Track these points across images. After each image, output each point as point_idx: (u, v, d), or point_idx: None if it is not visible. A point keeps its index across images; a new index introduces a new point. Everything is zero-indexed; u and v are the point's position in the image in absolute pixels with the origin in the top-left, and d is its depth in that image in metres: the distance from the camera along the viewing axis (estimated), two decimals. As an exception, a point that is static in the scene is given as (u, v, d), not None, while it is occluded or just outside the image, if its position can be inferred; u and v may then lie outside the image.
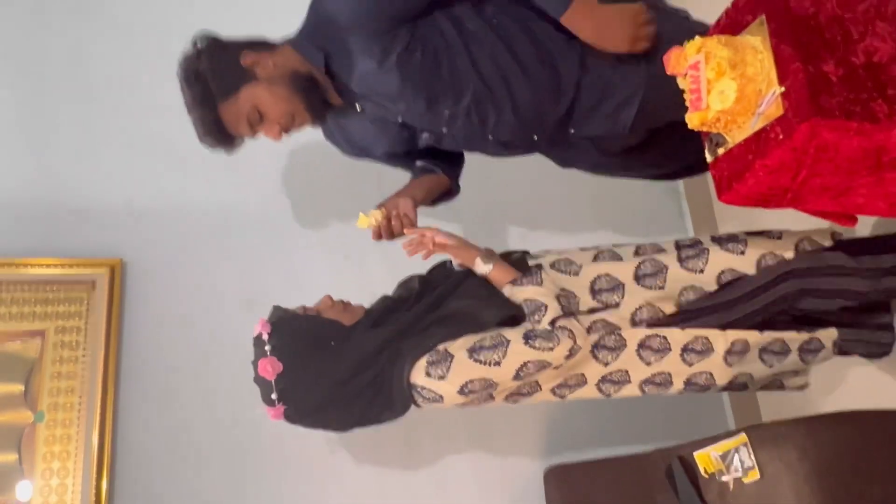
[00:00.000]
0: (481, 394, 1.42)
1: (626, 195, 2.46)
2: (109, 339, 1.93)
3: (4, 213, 1.97)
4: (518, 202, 2.47)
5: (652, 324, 1.51)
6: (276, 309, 1.50)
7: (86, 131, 2.09)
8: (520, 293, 1.45)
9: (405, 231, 1.56)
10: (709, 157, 1.38)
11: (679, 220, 2.55)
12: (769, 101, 1.22)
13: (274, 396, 1.41)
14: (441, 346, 1.40)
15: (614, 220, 2.49)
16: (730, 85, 1.23)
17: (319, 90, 1.57)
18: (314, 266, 2.20)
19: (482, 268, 1.51)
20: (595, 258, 1.58)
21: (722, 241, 1.57)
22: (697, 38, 1.30)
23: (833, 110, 1.13)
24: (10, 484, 1.78)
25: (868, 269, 1.54)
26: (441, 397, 1.40)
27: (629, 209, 2.52)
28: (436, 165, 1.78)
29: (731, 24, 1.34)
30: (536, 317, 1.42)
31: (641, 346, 1.50)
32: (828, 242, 1.57)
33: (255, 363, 1.44)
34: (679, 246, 1.59)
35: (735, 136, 1.31)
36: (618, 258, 1.58)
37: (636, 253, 1.59)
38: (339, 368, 1.41)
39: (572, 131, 1.64)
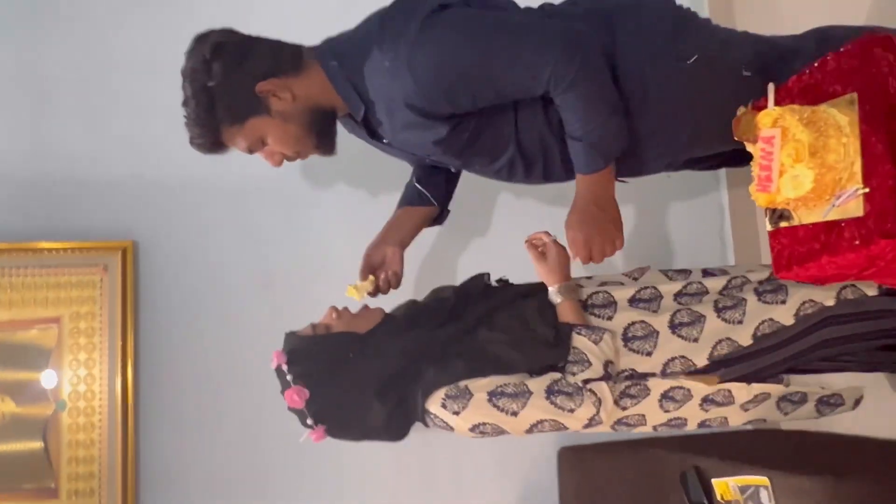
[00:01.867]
0: (493, 432, 1.41)
1: (668, 215, 2.39)
2: (126, 324, 1.89)
3: (12, 194, 1.87)
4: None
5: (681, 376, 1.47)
6: (288, 337, 1.48)
7: (91, 106, 1.95)
8: (576, 341, 1.41)
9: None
10: (769, 227, 1.28)
11: (719, 244, 2.44)
12: (849, 196, 1.11)
13: (310, 421, 1.42)
14: (463, 383, 1.38)
15: (653, 238, 2.39)
16: (806, 173, 1.12)
17: (335, 124, 1.46)
18: (333, 242, 2.12)
19: (556, 297, 1.47)
20: (633, 300, 1.52)
21: (762, 292, 1.50)
22: (774, 107, 1.16)
23: (921, 229, 1.03)
24: (38, 473, 1.81)
25: None
26: (451, 428, 1.41)
27: (670, 229, 2.43)
28: (435, 191, 1.70)
29: (814, 88, 1.19)
30: (575, 369, 1.39)
31: (664, 396, 1.47)
32: (872, 291, 1.49)
33: (282, 393, 1.43)
34: (718, 293, 1.53)
35: (802, 216, 1.21)
36: (656, 299, 1.52)
37: (676, 296, 1.53)
38: (366, 377, 1.41)
39: None
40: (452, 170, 1.71)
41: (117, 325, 1.89)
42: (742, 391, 1.49)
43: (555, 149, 1.44)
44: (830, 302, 1.47)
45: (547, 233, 1.53)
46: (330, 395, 1.41)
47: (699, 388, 1.47)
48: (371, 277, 1.60)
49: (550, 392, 1.36)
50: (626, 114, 1.38)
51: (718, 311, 1.48)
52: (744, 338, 1.47)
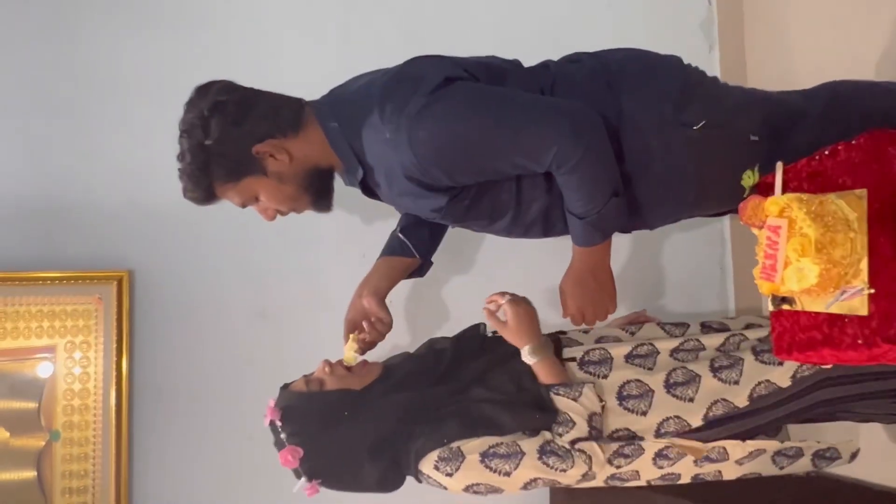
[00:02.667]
0: (486, 491, 1.42)
1: (668, 263, 2.38)
2: (121, 354, 1.88)
3: (7, 222, 1.85)
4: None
5: (675, 436, 1.47)
6: (283, 392, 1.48)
7: (88, 134, 1.92)
8: (555, 401, 1.42)
9: None
10: (770, 308, 1.26)
11: (722, 291, 2.42)
12: (854, 293, 1.10)
13: (304, 479, 1.42)
14: (455, 444, 1.38)
15: (654, 286, 2.38)
16: (812, 268, 1.10)
17: (332, 182, 1.45)
18: (330, 273, 2.11)
19: (527, 358, 1.46)
20: (629, 356, 1.52)
21: (759, 351, 1.50)
22: (782, 196, 1.15)
23: (925, 338, 1.02)
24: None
25: None
26: (445, 488, 1.42)
27: (670, 277, 2.41)
28: (418, 243, 1.69)
29: (823, 175, 1.18)
30: (561, 430, 1.40)
31: (658, 455, 1.48)
32: None
33: (276, 447, 1.44)
34: (715, 350, 1.54)
35: (805, 302, 1.20)
36: (653, 355, 1.52)
37: (673, 352, 1.53)
38: (360, 438, 1.41)
39: None
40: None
41: (112, 354, 1.88)
42: (737, 448, 1.49)
43: (555, 212, 1.43)
44: (828, 364, 1.46)
45: (503, 293, 1.51)
46: (324, 454, 1.42)
47: (693, 450, 1.48)
48: (352, 336, 1.58)
49: (543, 452, 1.37)
50: (628, 182, 1.37)
51: (715, 370, 1.49)
52: (740, 399, 1.47)
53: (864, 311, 1.08)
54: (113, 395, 1.87)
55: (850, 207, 1.11)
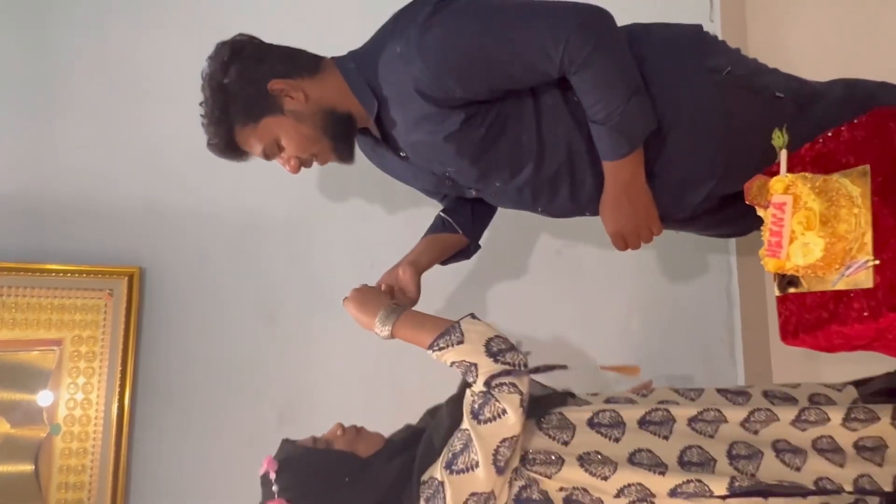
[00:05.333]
0: (482, 500, 1.20)
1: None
2: (127, 351, 1.88)
3: (22, 213, 1.87)
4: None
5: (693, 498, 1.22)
6: (285, 444, 1.37)
7: (106, 130, 1.96)
8: (445, 357, 1.25)
9: None
10: (777, 292, 1.27)
11: (727, 320, 2.43)
12: (859, 267, 1.11)
13: None
14: (425, 476, 1.25)
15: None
16: (817, 242, 1.12)
17: (353, 131, 1.43)
18: (339, 276, 2.11)
19: (381, 331, 1.35)
20: (643, 421, 1.29)
21: (780, 451, 1.27)
22: (786, 174, 1.17)
23: (931, 305, 1.03)
24: (26, 497, 1.79)
25: None
26: None
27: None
28: (460, 219, 1.67)
29: (826, 157, 1.20)
30: (470, 379, 1.22)
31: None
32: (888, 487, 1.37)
33: (262, 500, 1.33)
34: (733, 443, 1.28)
35: (811, 283, 1.20)
36: (668, 423, 1.29)
37: (690, 422, 1.28)
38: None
39: None
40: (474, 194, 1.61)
41: (118, 350, 1.88)
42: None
43: (582, 161, 1.39)
44: (848, 487, 1.24)
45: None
46: None
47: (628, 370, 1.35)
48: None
49: (474, 415, 1.19)
50: (658, 133, 1.35)
51: (732, 458, 1.24)
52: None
53: (869, 284, 1.08)
54: (116, 391, 1.86)
55: (853, 184, 1.13)
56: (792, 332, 1.23)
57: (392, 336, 1.35)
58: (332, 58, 1.45)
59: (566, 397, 1.36)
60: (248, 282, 2.05)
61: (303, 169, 2.08)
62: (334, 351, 2.08)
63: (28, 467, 1.80)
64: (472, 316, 1.29)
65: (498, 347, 1.23)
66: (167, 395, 1.94)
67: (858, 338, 1.13)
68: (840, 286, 1.13)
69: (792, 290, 1.23)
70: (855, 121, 1.15)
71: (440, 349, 1.24)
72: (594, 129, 1.31)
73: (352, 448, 1.32)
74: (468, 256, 1.75)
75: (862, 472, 1.24)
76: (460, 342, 1.23)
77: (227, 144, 1.39)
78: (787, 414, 1.26)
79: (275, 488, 1.28)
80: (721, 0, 2.41)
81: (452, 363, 1.24)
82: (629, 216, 1.38)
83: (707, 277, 2.46)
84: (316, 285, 2.10)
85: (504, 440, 1.18)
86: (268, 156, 1.42)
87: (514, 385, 1.18)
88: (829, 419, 1.25)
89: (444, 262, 1.71)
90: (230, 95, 1.35)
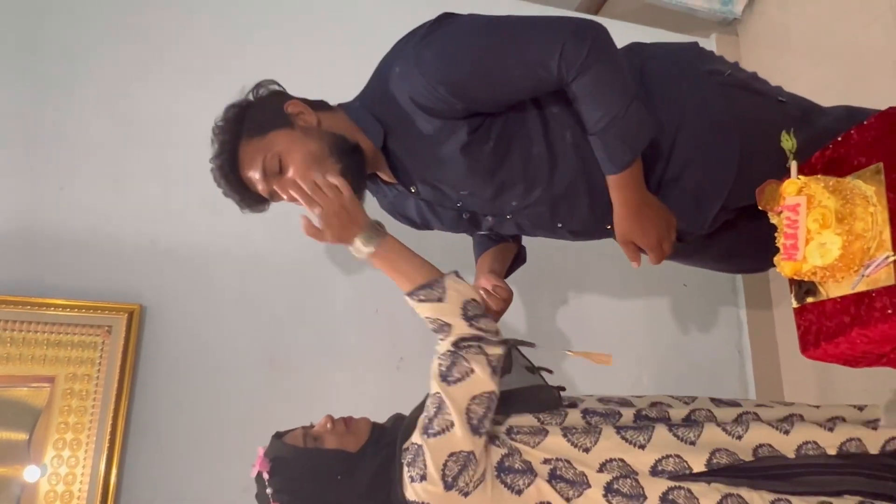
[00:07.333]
0: (465, 464, 1.19)
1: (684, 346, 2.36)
2: (122, 392, 1.82)
3: (23, 248, 1.86)
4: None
5: (675, 477, 1.24)
6: (275, 441, 1.36)
7: (114, 168, 1.98)
8: (420, 310, 1.28)
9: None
10: (794, 304, 1.23)
11: (741, 375, 2.40)
12: (878, 265, 1.07)
13: None
14: (406, 444, 1.26)
15: (668, 364, 2.35)
16: (834, 240, 1.09)
17: (363, 163, 1.41)
18: (342, 323, 2.08)
19: (361, 251, 1.31)
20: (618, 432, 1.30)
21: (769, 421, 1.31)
22: (799, 176, 1.16)
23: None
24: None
25: None
26: (434, 493, 1.20)
27: (686, 358, 2.39)
28: (497, 235, 1.69)
29: (838, 161, 1.19)
30: (441, 336, 1.26)
31: (664, 499, 1.21)
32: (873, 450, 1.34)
33: (258, 502, 1.34)
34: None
35: (830, 289, 1.17)
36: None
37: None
38: (350, 500, 1.30)
39: None
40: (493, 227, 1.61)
41: (112, 390, 1.81)
42: (755, 497, 1.22)
43: (596, 164, 1.35)
44: (832, 451, 1.26)
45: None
46: None
47: (701, 488, 1.22)
48: None
49: (444, 377, 1.22)
50: (667, 137, 1.36)
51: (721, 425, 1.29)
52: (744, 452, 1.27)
53: (891, 281, 1.05)
54: (108, 431, 1.79)
55: (866, 184, 1.12)
56: (812, 341, 1.18)
57: (370, 258, 1.31)
58: (339, 103, 1.48)
59: (559, 396, 1.38)
60: (250, 326, 2.00)
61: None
62: (335, 397, 2.02)
63: (12, 515, 1.71)
64: (456, 274, 1.31)
65: (474, 312, 1.27)
66: (160, 435, 1.86)
67: (884, 340, 1.08)
68: (860, 288, 1.10)
69: (810, 299, 1.20)
70: (865, 122, 1.15)
71: (420, 301, 1.27)
72: (595, 141, 1.31)
73: (342, 444, 1.31)
74: (525, 260, 1.78)
75: (850, 435, 1.24)
76: (440, 300, 1.25)
77: (230, 161, 1.36)
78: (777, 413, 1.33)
79: (269, 491, 1.28)
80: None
81: (427, 318, 1.27)
82: (655, 220, 1.36)
83: (718, 331, 2.42)
84: (318, 331, 2.06)
85: (474, 397, 1.21)
86: (266, 174, 1.36)
87: (480, 348, 1.23)
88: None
89: (507, 273, 1.72)
90: (247, 112, 1.38)
